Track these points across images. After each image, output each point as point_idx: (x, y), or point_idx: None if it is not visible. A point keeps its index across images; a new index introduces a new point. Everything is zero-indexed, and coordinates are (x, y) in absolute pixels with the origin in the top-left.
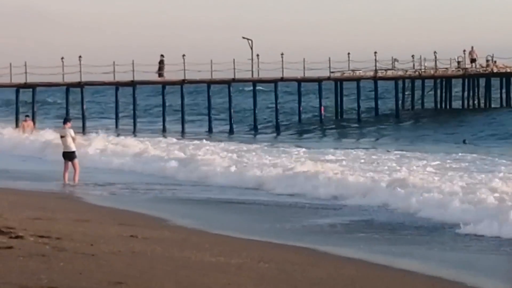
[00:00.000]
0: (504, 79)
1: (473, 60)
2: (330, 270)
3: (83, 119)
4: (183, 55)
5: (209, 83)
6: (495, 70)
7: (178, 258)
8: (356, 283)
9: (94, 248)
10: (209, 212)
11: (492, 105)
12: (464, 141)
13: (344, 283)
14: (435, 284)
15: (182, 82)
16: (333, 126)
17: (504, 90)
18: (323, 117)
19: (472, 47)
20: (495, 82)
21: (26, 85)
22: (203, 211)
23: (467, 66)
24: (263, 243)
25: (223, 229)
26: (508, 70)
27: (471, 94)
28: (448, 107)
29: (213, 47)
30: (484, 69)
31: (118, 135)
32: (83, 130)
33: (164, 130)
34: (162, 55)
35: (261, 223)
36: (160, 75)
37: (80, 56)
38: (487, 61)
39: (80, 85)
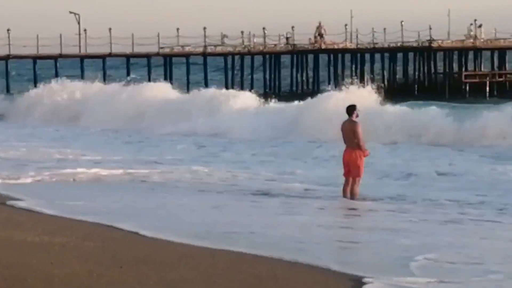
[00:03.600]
0: (332, 56)
1: (321, 35)
2: (156, 248)
3: None
4: (8, 30)
5: (35, 58)
6: (323, 46)
7: None
8: (182, 259)
9: None
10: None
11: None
12: None
13: (170, 261)
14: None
15: (7, 57)
16: None
17: (332, 66)
18: None
19: (319, 23)
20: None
21: None
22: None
23: (317, 41)
24: (89, 222)
25: (50, 208)
26: (336, 47)
27: (299, 69)
28: (277, 83)
29: (40, 22)
30: (313, 45)
31: None
32: None
33: None
34: None
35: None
36: None
37: None
38: (315, 37)
39: None
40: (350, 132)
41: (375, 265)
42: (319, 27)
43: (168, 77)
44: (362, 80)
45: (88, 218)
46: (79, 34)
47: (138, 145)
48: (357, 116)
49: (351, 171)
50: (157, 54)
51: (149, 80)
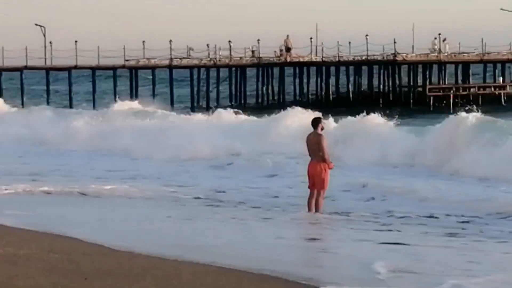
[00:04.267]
0: (297, 69)
1: (288, 49)
2: (122, 260)
3: None
4: None
5: (0, 70)
6: (288, 59)
7: None
8: (148, 273)
9: None
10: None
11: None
12: None
13: (135, 273)
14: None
15: None
16: None
17: (297, 79)
18: None
19: (287, 36)
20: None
21: None
22: None
23: (282, 54)
24: (54, 234)
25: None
26: (301, 60)
27: (265, 82)
28: (243, 95)
29: (5, 34)
30: (278, 58)
31: None
32: None
33: None
34: None
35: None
36: None
37: None
38: (281, 50)
39: None
40: (315, 145)
41: (336, 275)
42: (286, 40)
43: (133, 89)
44: (327, 92)
45: (53, 230)
46: (45, 47)
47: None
48: (322, 129)
49: (316, 183)
50: (123, 67)
51: (115, 93)
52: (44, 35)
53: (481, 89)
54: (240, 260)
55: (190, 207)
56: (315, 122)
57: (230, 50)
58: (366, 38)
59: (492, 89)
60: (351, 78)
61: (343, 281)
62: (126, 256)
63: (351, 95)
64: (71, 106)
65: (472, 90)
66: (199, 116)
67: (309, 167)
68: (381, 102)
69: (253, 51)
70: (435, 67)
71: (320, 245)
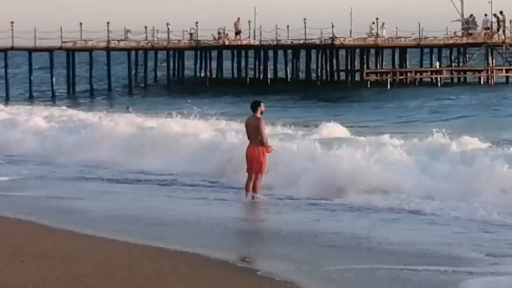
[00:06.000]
0: (235, 52)
1: (238, 32)
2: (58, 242)
3: None
4: None
5: None
6: (226, 42)
7: None
8: (85, 253)
9: None
10: None
11: (224, 75)
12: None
13: (71, 254)
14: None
15: None
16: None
17: (235, 61)
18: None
19: (238, 19)
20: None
21: None
22: None
23: (220, 38)
24: None
25: None
26: (239, 43)
27: (203, 65)
28: (180, 77)
29: None
30: (216, 41)
31: None
32: None
33: None
34: None
35: None
36: None
37: None
38: (219, 33)
39: None
40: (253, 128)
41: (275, 257)
42: (236, 24)
43: (71, 71)
44: (265, 76)
45: None
46: None
47: None
48: (261, 112)
49: (254, 167)
50: (60, 48)
51: (52, 75)
52: None
53: (418, 73)
54: (177, 242)
55: (131, 188)
56: (255, 106)
57: (168, 33)
58: (304, 22)
59: (429, 73)
60: (289, 62)
61: (281, 263)
62: (63, 238)
63: (289, 79)
64: (7, 91)
65: (409, 74)
66: None
67: (247, 150)
68: (318, 86)
69: (191, 34)
70: (372, 51)
71: (257, 227)
